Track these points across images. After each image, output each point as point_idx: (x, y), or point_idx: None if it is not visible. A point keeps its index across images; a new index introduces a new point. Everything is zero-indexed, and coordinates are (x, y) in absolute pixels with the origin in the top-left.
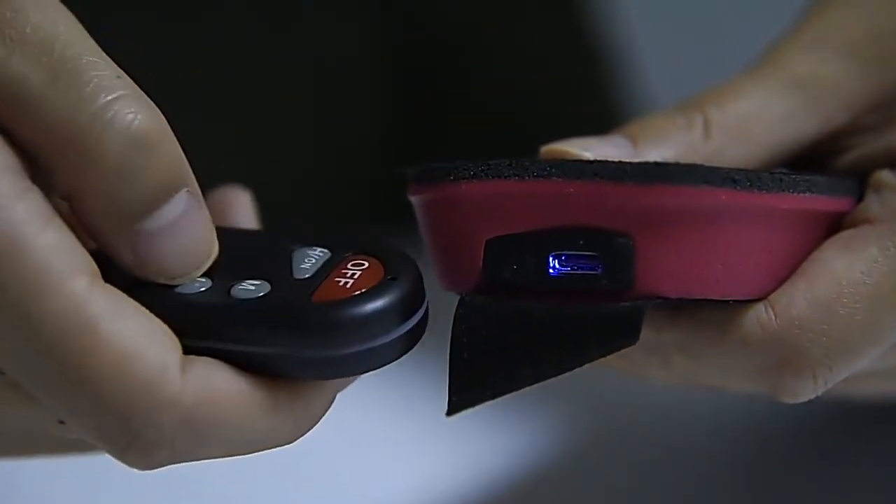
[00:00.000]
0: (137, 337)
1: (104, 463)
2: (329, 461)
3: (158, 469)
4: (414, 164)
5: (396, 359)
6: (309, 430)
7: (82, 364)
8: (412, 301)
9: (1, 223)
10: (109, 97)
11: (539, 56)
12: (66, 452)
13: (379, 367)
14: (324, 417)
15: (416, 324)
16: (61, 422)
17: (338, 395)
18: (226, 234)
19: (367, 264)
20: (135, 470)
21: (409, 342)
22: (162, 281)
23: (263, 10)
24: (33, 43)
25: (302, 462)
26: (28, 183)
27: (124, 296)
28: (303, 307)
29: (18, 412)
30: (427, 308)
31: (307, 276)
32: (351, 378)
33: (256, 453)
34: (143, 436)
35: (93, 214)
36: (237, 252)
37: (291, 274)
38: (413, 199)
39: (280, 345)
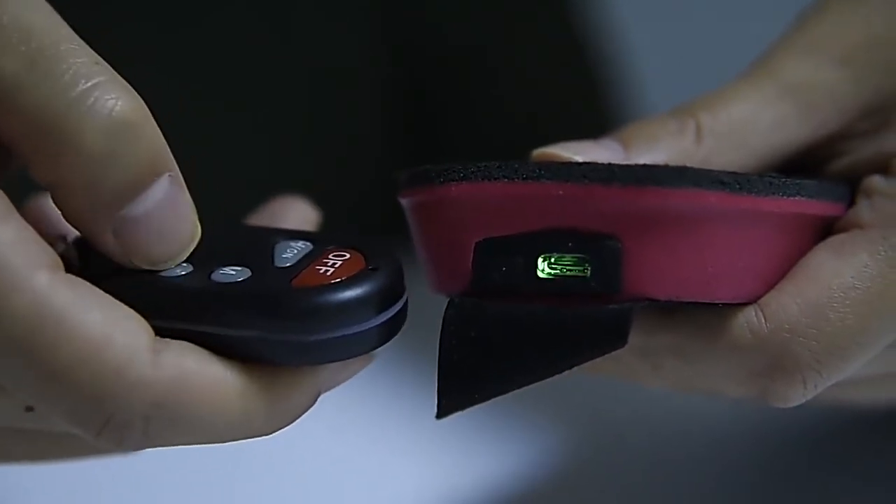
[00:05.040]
0: (104, 325)
1: (100, 465)
2: (322, 466)
3: (138, 453)
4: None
5: (373, 349)
6: (288, 423)
7: (52, 357)
8: (391, 292)
9: None
10: (89, 84)
11: (538, 64)
12: (38, 458)
13: (355, 356)
14: (306, 415)
15: (395, 315)
16: (29, 408)
17: (327, 399)
18: (212, 226)
19: (348, 255)
20: (116, 457)
21: (386, 333)
22: (146, 267)
23: (264, 19)
24: (10, 33)
25: (294, 466)
26: None
27: (88, 284)
28: (282, 291)
29: None
30: (406, 301)
31: (288, 264)
32: (336, 378)
33: (233, 442)
34: (115, 419)
35: (75, 202)
36: (221, 242)
37: (273, 262)
38: (403, 201)
39: (258, 328)
